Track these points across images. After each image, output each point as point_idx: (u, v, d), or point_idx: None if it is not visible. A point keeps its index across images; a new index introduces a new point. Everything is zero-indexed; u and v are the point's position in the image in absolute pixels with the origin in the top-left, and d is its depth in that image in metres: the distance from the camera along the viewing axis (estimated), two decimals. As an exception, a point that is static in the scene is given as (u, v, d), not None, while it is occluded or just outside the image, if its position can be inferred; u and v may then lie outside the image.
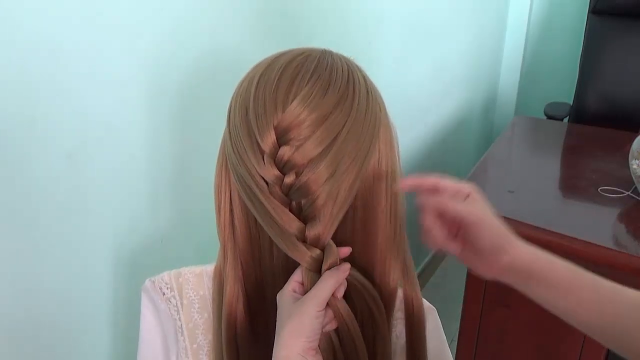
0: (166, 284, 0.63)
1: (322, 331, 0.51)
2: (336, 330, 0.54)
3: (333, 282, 0.51)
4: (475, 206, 0.55)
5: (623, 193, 1.34)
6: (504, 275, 0.55)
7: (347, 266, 0.52)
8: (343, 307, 0.52)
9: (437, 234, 0.56)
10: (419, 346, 0.60)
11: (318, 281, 0.51)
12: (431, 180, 0.56)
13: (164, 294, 0.63)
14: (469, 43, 2.18)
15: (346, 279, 0.52)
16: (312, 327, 0.49)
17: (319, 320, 0.50)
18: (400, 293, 0.60)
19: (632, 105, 1.98)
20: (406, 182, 0.56)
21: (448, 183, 0.57)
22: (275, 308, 0.53)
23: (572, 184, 1.47)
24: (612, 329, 0.53)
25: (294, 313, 0.49)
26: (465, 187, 0.56)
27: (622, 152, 1.40)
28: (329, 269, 0.52)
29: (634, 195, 1.33)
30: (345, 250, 0.53)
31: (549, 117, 2.11)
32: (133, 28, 0.80)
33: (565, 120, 2.12)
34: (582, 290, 0.54)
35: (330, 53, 0.56)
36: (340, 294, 0.52)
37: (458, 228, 0.57)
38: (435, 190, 0.56)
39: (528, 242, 0.56)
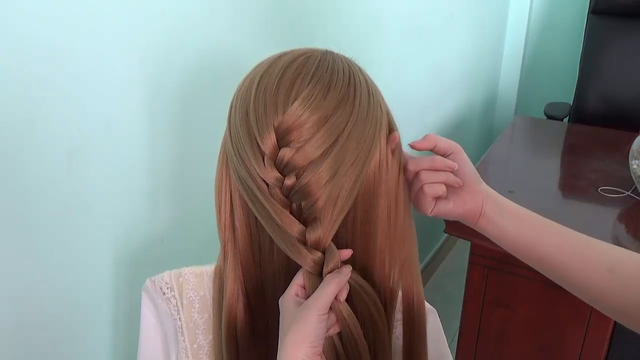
0: (166, 283, 0.63)
1: (325, 336, 0.51)
2: (339, 334, 0.53)
3: (335, 285, 0.50)
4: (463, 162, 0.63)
5: (623, 193, 1.34)
6: (485, 204, 0.61)
7: (348, 269, 0.52)
8: (345, 310, 0.52)
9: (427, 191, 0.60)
10: (419, 344, 0.60)
11: (320, 285, 0.51)
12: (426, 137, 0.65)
13: (164, 293, 0.63)
14: (469, 43, 2.18)
15: (348, 281, 0.52)
16: (315, 332, 0.49)
17: (322, 325, 0.49)
18: (400, 294, 0.60)
19: (632, 105, 1.98)
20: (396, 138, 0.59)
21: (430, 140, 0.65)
22: (275, 308, 0.53)
23: (572, 184, 1.47)
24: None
25: (297, 319, 0.49)
26: (444, 144, 0.65)
27: (622, 152, 1.40)
28: (330, 272, 0.51)
29: (634, 195, 1.33)
30: (346, 253, 0.53)
31: (549, 117, 2.11)
32: (133, 28, 0.80)
33: (565, 120, 2.12)
34: (548, 226, 0.62)
35: (332, 54, 0.55)
36: (343, 296, 0.52)
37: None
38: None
39: None
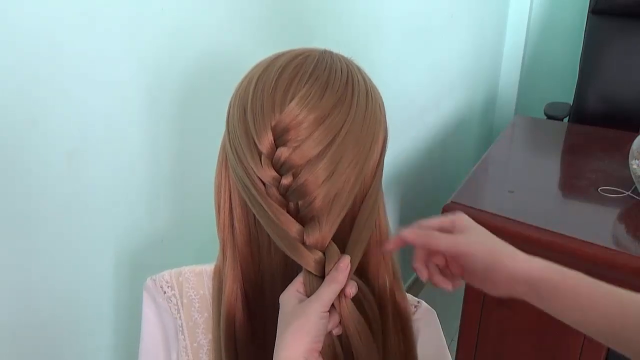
0: (167, 282, 0.63)
1: (325, 334, 0.51)
2: (339, 336, 0.53)
3: (337, 283, 0.50)
4: (459, 236, 0.55)
5: (623, 193, 1.34)
6: (510, 290, 0.55)
7: (345, 263, 0.51)
8: (350, 306, 0.52)
9: (432, 274, 0.57)
10: (407, 343, 0.59)
11: (323, 283, 0.50)
12: (413, 230, 0.57)
13: (164, 292, 0.63)
14: (469, 43, 2.18)
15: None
16: (316, 328, 0.49)
17: (324, 322, 0.49)
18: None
19: (632, 105, 1.98)
20: (392, 244, 0.56)
21: (430, 222, 0.58)
22: (274, 308, 0.53)
23: (572, 184, 1.47)
24: (623, 335, 0.53)
25: (299, 313, 0.49)
26: (447, 219, 0.57)
27: (622, 152, 1.40)
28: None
29: (634, 195, 1.33)
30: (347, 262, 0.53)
31: (549, 117, 2.11)
32: (133, 28, 0.80)
33: (565, 120, 2.12)
34: (591, 299, 0.53)
35: (330, 53, 0.56)
36: (352, 291, 0.51)
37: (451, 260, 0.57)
38: (421, 234, 0.57)
39: (533, 253, 0.56)
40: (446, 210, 1.32)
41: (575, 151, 1.73)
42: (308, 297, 0.51)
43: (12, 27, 0.66)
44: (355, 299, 0.53)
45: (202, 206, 0.98)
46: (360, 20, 1.38)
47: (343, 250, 0.53)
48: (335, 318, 0.51)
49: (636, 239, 1.20)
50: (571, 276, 0.54)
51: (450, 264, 0.58)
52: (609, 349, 1.26)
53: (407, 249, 0.59)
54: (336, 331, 0.52)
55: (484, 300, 1.37)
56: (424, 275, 0.58)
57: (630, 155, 1.31)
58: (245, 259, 0.57)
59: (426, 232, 0.56)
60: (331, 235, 0.52)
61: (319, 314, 0.49)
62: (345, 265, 0.51)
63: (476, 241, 0.55)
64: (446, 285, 0.57)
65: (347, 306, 0.52)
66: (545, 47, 2.62)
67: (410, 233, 0.55)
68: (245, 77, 0.55)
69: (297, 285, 0.52)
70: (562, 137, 1.88)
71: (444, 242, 0.55)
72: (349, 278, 0.52)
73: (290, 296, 0.51)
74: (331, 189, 0.50)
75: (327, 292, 0.50)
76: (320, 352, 0.50)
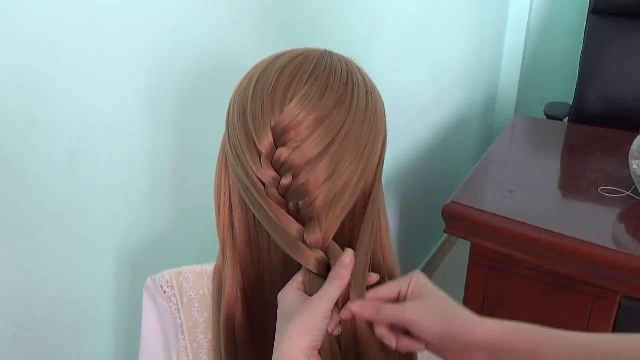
0: (167, 282, 0.63)
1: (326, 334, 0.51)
2: (337, 337, 0.53)
3: (341, 280, 0.50)
4: (413, 302, 0.52)
5: (623, 193, 1.34)
6: (473, 356, 0.51)
7: (349, 258, 0.50)
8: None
9: (397, 342, 0.54)
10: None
11: (326, 282, 0.50)
12: (359, 304, 0.52)
13: (164, 292, 0.63)
14: (469, 43, 2.18)
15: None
16: (319, 326, 0.48)
17: (326, 322, 0.49)
18: None
19: (632, 105, 1.98)
20: (346, 314, 0.52)
21: (384, 291, 0.54)
22: (274, 308, 0.53)
23: (572, 184, 1.47)
24: None
25: (303, 310, 0.49)
26: (405, 283, 0.54)
27: (622, 152, 1.40)
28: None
29: (634, 195, 1.33)
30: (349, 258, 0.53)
31: (549, 117, 2.10)
32: (133, 28, 0.80)
33: (565, 120, 2.12)
34: (554, 354, 0.50)
35: (330, 54, 0.56)
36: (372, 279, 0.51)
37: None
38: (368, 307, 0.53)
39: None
40: (446, 210, 1.32)
41: (575, 151, 1.73)
42: (309, 295, 0.51)
43: (12, 27, 0.66)
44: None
45: (202, 206, 0.98)
46: (361, 20, 1.38)
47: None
48: (336, 318, 0.51)
49: (636, 239, 1.20)
50: (526, 331, 0.51)
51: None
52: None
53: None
54: (336, 331, 0.52)
55: (484, 300, 1.37)
56: (390, 341, 0.54)
57: (630, 155, 1.31)
58: (245, 259, 0.57)
59: (373, 304, 0.52)
60: (332, 236, 0.52)
61: (323, 313, 0.49)
62: (349, 260, 0.50)
63: (426, 307, 0.52)
64: (391, 342, 0.53)
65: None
66: (545, 47, 2.62)
67: (357, 307, 0.52)
68: (245, 77, 0.55)
69: (296, 284, 0.52)
70: (562, 137, 1.88)
71: (387, 314, 0.52)
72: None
73: (290, 293, 0.51)
74: (331, 190, 0.50)
75: (332, 290, 0.49)
76: (319, 352, 0.50)
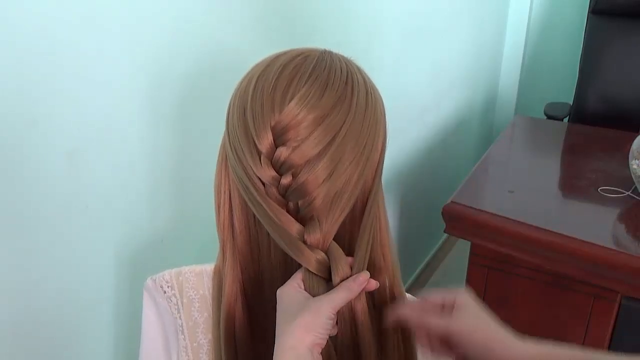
0: (167, 282, 0.63)
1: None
2: (334, 338, 0.53)
3: (351, 293, 0.51)
4: (458, 318, 0.55)
5: (623, 193, 1.34)
6: None
7: (364, 278, 0.52)
8: (361, 308, 0.53)
9: (434, 349, 0.57)
10: (408, 347, 0.59)
11: (337, 288, 0.51)
12: (409, 311, 0.56)
13: (165, 292, 0.63)
14: (469, 43, 2.18)
15: None
16: (324, 325, 0.49)
17: (331, 322, 0.50)
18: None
19: (632, 105, 1.98)
20: (391, 317, 0.56)
21: (432, 298, 0.57)
22: (274, 307, 0.53)
23: (572, 184, 1.47)
24: None
25: (309, 308, 0.49)
26: (450, 296, 0.57)
27: (622, 152, 1.40)
28: (342, 277, 0.51)
29: (634, 195, 1.33)
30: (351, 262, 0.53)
31: (549, 117, 2.11)
32: (133, 28, 0.80)
33: (565, 120, 2.12)
34: None
35: (330, 53, 0.56)
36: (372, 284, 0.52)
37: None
38: (415, 315, 0.56)
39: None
40: (446, 210, 1.32)
41: (575, 151, 1.73)
42: (310, 294, 0.51)
43: (12, 27, 0.66)
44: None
45: (202, 206, 0.98)
46: (361, 20, 1.38)
47: (345, 251, 0.53)
48: (334, 320, 0.52)
49: (636, 239, 1.20)
50: (565, 356, 0.54)
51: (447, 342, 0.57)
52: (609, 349, 1.26)
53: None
54: (332, 332, 0.52)
55: (484, 300, 1.36)
56: (426, 346, 0.57)
57: (630, 155, 1.31)
58: (245, 258, 0.57)
59: (421, 312, 0.56)
60: (332, 236, 0.52)
61: (328, 314, 0.49)
62: (364, 279, 0.51)
63: (468, 325, 0.55)
64: (447, 356, 0.57)
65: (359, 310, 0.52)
66: (545, 47, 2.62)
67: (407, 313, 0.55)
68: (245, 76, 0.55)
69: (296, 281, 0.52)
70: (562, 137, 1.88)
71: (435, 324, 0.55)
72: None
73: (291, 291, 0.51)
74: (331, 189, 0.50)
75: (340, 297, 0.50)
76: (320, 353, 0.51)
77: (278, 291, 0.52)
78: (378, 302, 0.57)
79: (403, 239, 1.97)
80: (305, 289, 0.52)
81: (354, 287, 0.51)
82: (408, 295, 0.63)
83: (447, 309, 0.56)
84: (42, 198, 0.75)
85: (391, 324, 0.56)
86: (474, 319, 0.55)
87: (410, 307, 0.56)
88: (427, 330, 0.56)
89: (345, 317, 0.53)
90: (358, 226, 0.55)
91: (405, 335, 0.59)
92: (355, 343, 0.53)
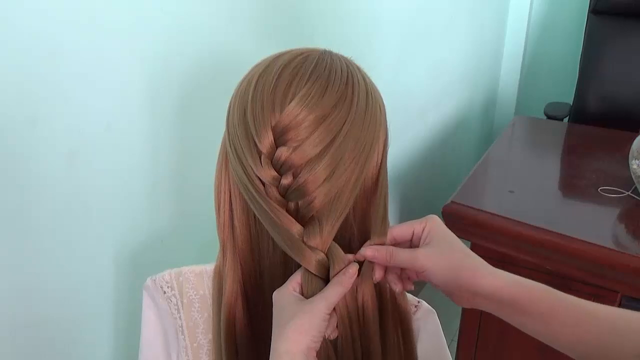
0: (167, 282, 0.63)
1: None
2: (334, 340, 0.53)
3: (343, 287, 0.50)
4: (420, 250, 0.53)
5: (623, 193, 1.34)
6: (474, 305, 0.53)
7: (354, 270, 0.51)
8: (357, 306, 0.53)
9: (407, 287, 0.56)
10: (408, 347, 0.59)
11: (329, 285, 0.51)
12: (373, 248, 0.53)
13: (164, 292, 0.63)
14: (469, 43, 2.18)
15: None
16: (319, 327, 0.49)
17: (325, 323, 0.49)
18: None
19: (632, 105, 1.98)
20: (360, 258, 0.54)
21: (397, 231, 0.55)
22: (274, 307, 0.53)
23: (572, 184, 1.47)
24: (593, 350, 0.51)
25: (303, 311, 0.49)
26: (419, 226, 0.54)
27: (622, 152, 1.40)
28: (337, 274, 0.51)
29: (634, 195, 1.33)
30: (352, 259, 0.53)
31: (549, 117, 2.11)
32: (133, 28, 0.80)
33: (565, 120, 2.12)
34: (559, 316, 0.51)
35: (330, 53, 0.56)
36: (377, 276, 0.52)
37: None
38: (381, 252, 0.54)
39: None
40: (446, 210, 1.32)
41: (575, 151, 1.73)
42: (305, 296, 0.51)
43: (12, 27, 0.66)
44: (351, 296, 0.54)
45: (202, 206, 0.98)
46: (361, 20, 1.38)
47: (345, 251, 0.53)
48: (333, 322, 0.51)
49: (636, 239, 1.20)
50: (537, 290, 0.52)
51: (409, 272, 0.56)
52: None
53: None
54: (332, 335, 0.52)
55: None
56: (399, 287, 0.56)
57: (630, 155, 1.31)
58: (245, 259, 0.57)
59: (386, 250, 0.53)
60: (332, 236, 0.52)
61: (322, 315, 0.49)
62: (353, 271, 0.51)
63: (436, 255, 0.52)
64: (396, 286, 0.55)
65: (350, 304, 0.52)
66: (545, 47, 2.62)
67: (371, 251, 0.53)
68: (245, 77, 0.55)
69: (293, 284, 0.52)
70: (562, 137, 1.88)
71: (401, 258, 0.53)
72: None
73: (285, 294, 0.51)
74: (331, 189, 0.50)
75: (333, 293, 0.50)
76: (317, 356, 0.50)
77: (274, 294, 0.52)
78: (378, 302, 0.57)
79: (403, 239, 1.97)
80: (303, 290, 0.52)
81: (345, 280, 0.50)
82: (408, 295, 0.63)
83: (415, 239, 0.54)
84: (42, 198, 0.75)
85: (344, 325, 0.53)
86: (439, 246, 0.53)
87: (377, 247, 0.53)
88: (398, 269, 0.54)
89: (352, 316, 0.52)
90: (358, 226, 0.55)
91: (405, 334, 0.59)
92: (358, 343, 0.53)
